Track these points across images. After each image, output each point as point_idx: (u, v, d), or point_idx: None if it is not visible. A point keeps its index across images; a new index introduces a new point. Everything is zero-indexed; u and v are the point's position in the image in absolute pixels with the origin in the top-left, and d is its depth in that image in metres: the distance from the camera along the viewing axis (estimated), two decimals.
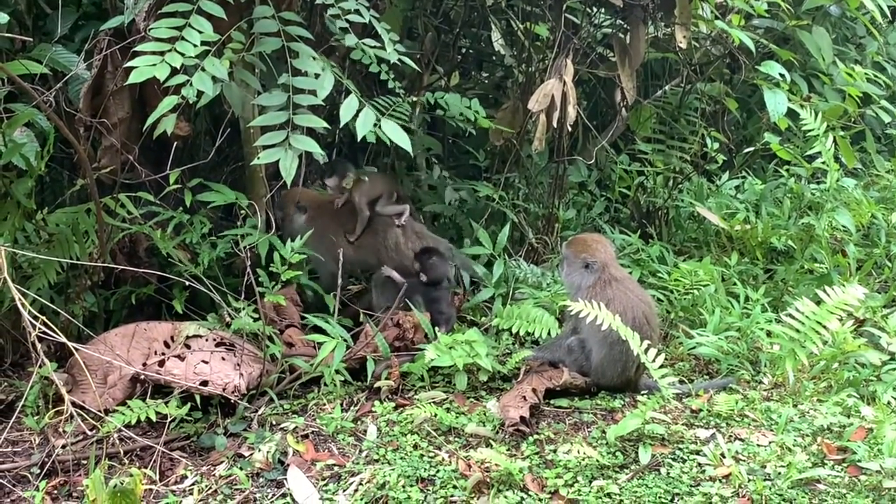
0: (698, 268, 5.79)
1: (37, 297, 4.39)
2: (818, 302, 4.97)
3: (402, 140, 4.34)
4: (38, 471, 4.19)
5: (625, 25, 6.43)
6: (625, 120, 7.24)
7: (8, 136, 4.72)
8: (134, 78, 4.05)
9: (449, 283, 5.64)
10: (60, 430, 4.46)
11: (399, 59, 4.70)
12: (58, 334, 3.73)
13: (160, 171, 5.07)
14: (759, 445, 4.31)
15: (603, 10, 6.86)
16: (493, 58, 7.77)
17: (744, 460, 4.19)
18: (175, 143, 5.03)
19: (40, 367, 3.95)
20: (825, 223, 6.32)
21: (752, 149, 7.96)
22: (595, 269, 4.86)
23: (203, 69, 4.14)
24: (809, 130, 6.28)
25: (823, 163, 6.35)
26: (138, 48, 4.14)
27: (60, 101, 5.05)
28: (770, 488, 3.95)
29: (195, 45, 4.13)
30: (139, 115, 4.87)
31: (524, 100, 6.10)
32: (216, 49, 4.26)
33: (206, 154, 5.27)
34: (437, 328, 5.26)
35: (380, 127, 4.32)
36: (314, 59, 4.42)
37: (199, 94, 4.19)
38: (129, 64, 4.11)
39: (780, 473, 4.05)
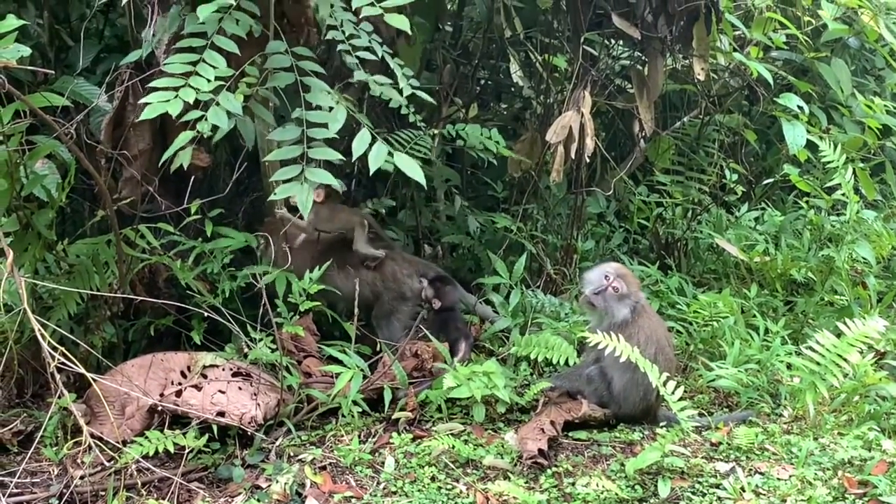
0: (717, 300, 5.76)
1: (56, 327, 4.40)
2: (838, 334, 4.94)
3: (416, 173, 4.35)
4: (57, 502, 4.18)
5: (643, 57, 6.44)
6: (643, 151, 7.25)
7: (30, 168, 4.75)
8: (147, 114, 4.07)
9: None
10: (79, 460, 4.45)
11: (412, 94, 4.72)
12: (77, 365, 3.74)
13: (180, 202, 5.09)
14: (779, 479, 4.27)
15: (621, 42, 6.88)
16: (512, 89, 7.81)
17: (764, 494, 4.15)
18: (195, 175, 5.06)
19: (59, 397, 3.96)
20: (845, 255, 6.30)
21: (771, 180, 7.96)
22: (640, 304, 4.87)
23: (218, 104, 4.17)
24: (829, 162, 6.27)
25: (843, 194, 6.32)
26: (153, 83, 4.17)
27: (82, 133, 5.08)
28: None
29: (209, 80, 4.15)
30: (159, 147, 4.90)
31: (542, 131, 6.12)
32: (231, 84, 4.28)
33: (226, 185, 5.29)
34: (458, 350, 5.30)
35: (392, 160, 4.33)
36: (327, 93, 4.45)
37: (215, 128, 4.22)
38: (144, 100, 4.14)
39: None
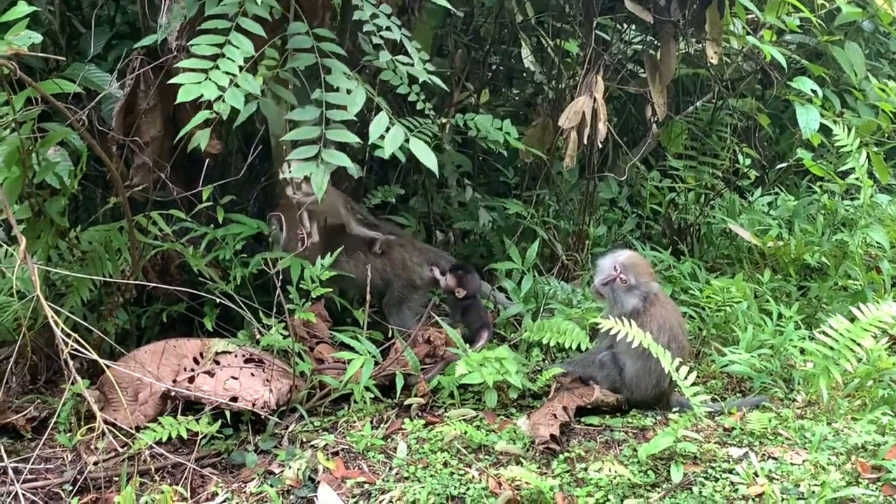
0: (730, 285, 5.75)
1: (70, 314, 4.41)
2: (852, 319, 4.92)
3: (430, 160, 4.34)
4: (71, 488, 4.20)
5: (655, 42, 6.42)
6: (656, 136, 7.23)
7: (42, 155, 4.76)
8: (182, 97, 4.02)
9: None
10: (92, 447, 4.47)
11: (429, 79, 4.70)
12: (90, 351, 3.75)
13: (192, 188, 5.10)
14: (792, 464, 4.27)
15: (633, 26, 6.85)
16: (524, 75, 7.79)
17: (777, 479, 4.15)
18: (207, 162, 5.06)
19: (73, 384, 3.97)
20: (859, 239, 6.27)
21: (784, 165, 7.92)
22: (652, 293, 4.86)
23: (237, 86, 4.15)
24: (843, 146, 6.23)
25: (857, 179, 6.29)
26: (181, 64, 4.14)
27: (94, 120, 5.09)
28: None
29: (237, 62, 4.13)
30: (171, 134, 4.89)
31: (554, 116, 6.11)
32: (250, 65, 4.27)
33: (238, 171, 5.30)
34: (480, 337, 5.32)
35: (408, 146, 4.32)
36: (347, 75, 4.44)
37: (232, 111, 4.21)
38: (174, 81, 4.09)
39: (813, 492, 4.00)
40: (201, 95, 4.01)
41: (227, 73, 4.09)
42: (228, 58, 4.14)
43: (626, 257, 4.96)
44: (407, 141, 4.32)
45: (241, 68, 4.16)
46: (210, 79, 4.05)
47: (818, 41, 6.93)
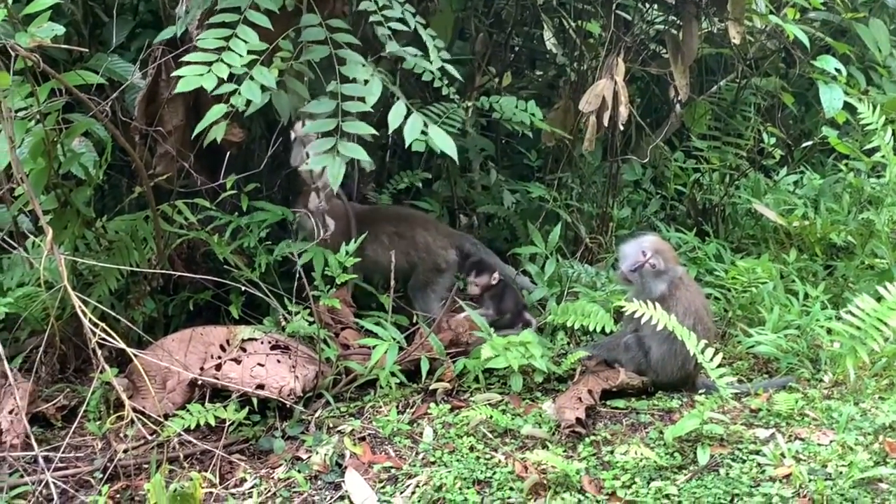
0: (756, 265, 5.71)
1: (97, 304, 4.44)
2: (879, 298, 4.88)
3: (449, 147, 4.34)
4: (101, 475, 4.24)
5: (677, 22, 6.37)
6: (679, 117, 7.19)
7: (67, 146, 4.79)
8: (181, 87, 4.09)
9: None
10: (122, 434, 4.51)
11: (442, 68, 4.70)
12: (118, 340, 3.78)
13: (215, 177, 5.12)
14: (819, 445, 4.26)
15: (655, 6, 6.81)
16: (546, 57, 7.76)
17: (804, 460, 4.14)
18: (230, 150, 5.08)
19: (101, 373, 4.00)
20: (886, 218, 6.22)
21: (809, 143, 7.86)
22: (677, 277, 4.85)
23: (252, 78, 4.17)
24: (868, 124, 6.18)
25: (883, 156, 6.24)
26: (186, 58, 4.18)
27: (117, 111, 5.11)
28: (831, 488, 3.90)
29: (241, 56, 4.16)
30: (193, 123, 4.91)
31: (576, 99, 6.09)
32: (265, 58, 4.28)
33: (261, 159, 5.31)
34: (528, 320, 5.45)
35: (427, 133, 4.31)
36: (362, 65, 4.44)
37: (249, 102, 4.23)
38: (177, 73, 4.15)
39: (841, 473, 4.00)
40: (216, 87, 4.05)
41: (229, 65, 4.11)
42: (233, 51, 4.16)
43: (653, 241, 4.94)
44: (425, 128, 4.31)
45: (253, 62, 4.18)
46: (212, 71, 4.08)
47: (842, 18, 6.87)
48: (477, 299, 5.54)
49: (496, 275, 5.55)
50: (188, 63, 4.14)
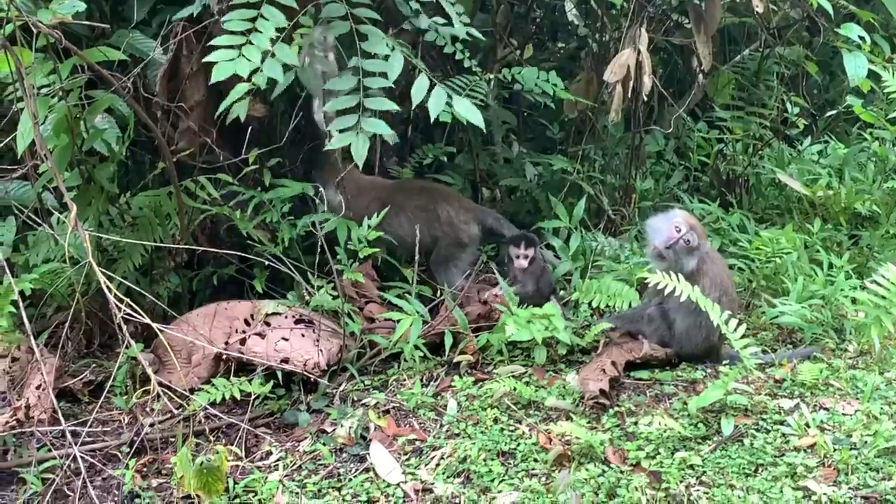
0: (780, 235, 5.69)
1: (122, 279, 4.47)
2: None
3: (476, 117, 4.32)
4: (128, 449, 4.28)
5: None
6: (702, 87, 7.15)
7: (90, 123, 4.81)
8: (216, 76, 4.03)
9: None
10: (148, 409, 4.56)
11: (468, 35, 4.68)
12: (143, 316, 3.80)
13: (238, 152, 5.13)
14: (844, 414, 4.25)
15: None
16: (568, 28, 7.72)
17: (829, 430, 4.13)
18: (252, 125, 5.08)
19: (127, 348, 4.03)
20: None
21: (833, 112, 7.80)
22: (706, 253, 4.83)
23: (273, 55, 4.15)
24: (892, 92, 6.13)
25: None
26: (214, 41, 4.14)
27: (140, 87, 5.12)
28: (856, 458, 3.90)
29: (269, 37, 4.13)
30: (215, 99, 4.92)
31: (599, 70, 6.06)
32: (286, 35, 4.27)
33: (283, 134, 5.31)
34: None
35: (451, 105, 4.30)
36: (383, 40, 4.41)
37: (271, 82, 4.21)
38: (208, 59, 4.10)
39: (865, 443, 3.99)
40: (242, 74, 4.03)
41: (259, 48, 4.09)
42: (260, 31, 4.13)
43: (686, 217, 4.86)
44: (450, 99, 4.30)
45: (273, 41, 4.15)
46: (243, 55, 4.05)
47: None
48: (515, 277, 5.50)
49: (533, 251, 5.52)
50: (217, 47, 4.10)
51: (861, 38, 6.25)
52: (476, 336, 4.95)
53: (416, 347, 4.84)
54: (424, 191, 5.86)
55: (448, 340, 4.91)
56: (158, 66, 5.20)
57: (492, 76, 6.01)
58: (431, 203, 5.69)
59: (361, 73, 4.29)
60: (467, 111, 4.32)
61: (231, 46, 4.09)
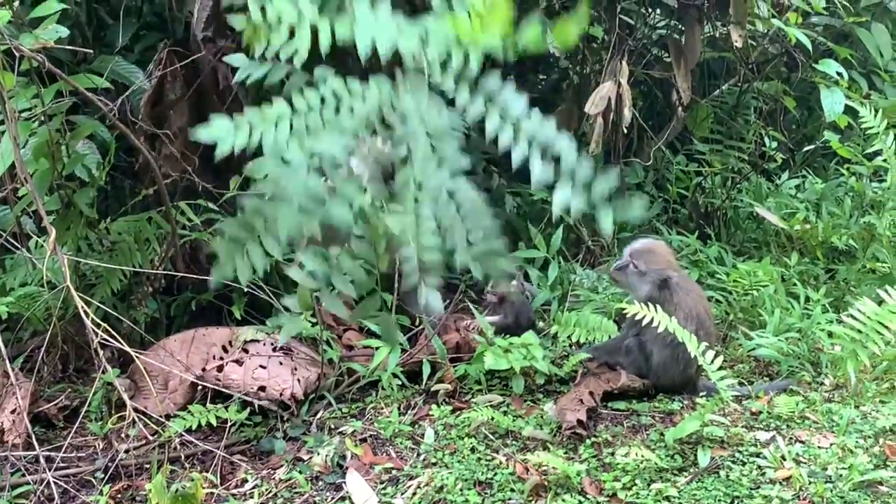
0: (757, 268, 5.73)
1: (100, 304, 4.46)
2: (880, 302, 4.89)
3: None
4: (102, 475, 4.26)
5: (680, 26, 6.40)
6: (681, 120, 7.21)
7: (71, 148, 4.81)
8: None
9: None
10: (123, 434, 4.53)
11: None
12: (120, 341, 3.79)
13: (219, 177, 5.13)
14: (820, 447, 4.26)
15: (658, 10, 6.83)
16: (549, 60, 7.77)
17: (805, 462, 4.15)
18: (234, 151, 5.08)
19: (103, 373, 4.02)
20: (887, 222, 6.22)
21: (811, 147, 7.87)
22: (669, 282, 4.86)
23: None
24: (869, 128, 6.19)
25: (885, 160, 6.25)
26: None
27: (126, 112, 5.12)
28: (831, 490, 3.91)
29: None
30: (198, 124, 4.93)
31: (579, 102, 6.11)
32: None
33: None
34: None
35: None
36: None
37: None
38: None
39: (841, 476, 4.00)
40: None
41: None
42: None
43: (641, 244, 5.01)
44: None
45: None
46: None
47: (844, 23, 6.89)
48: (495, 307, 5.52)
49: (514, 282, 5.54)
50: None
51: (839, 74, 6.33)
52: (454, 366, 4.95)
53: (395, 375, 4.84)
54: None
55: (426, 369, 4.91)
56: (142, 92, 5.21)
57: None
58: None
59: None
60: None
61: None
